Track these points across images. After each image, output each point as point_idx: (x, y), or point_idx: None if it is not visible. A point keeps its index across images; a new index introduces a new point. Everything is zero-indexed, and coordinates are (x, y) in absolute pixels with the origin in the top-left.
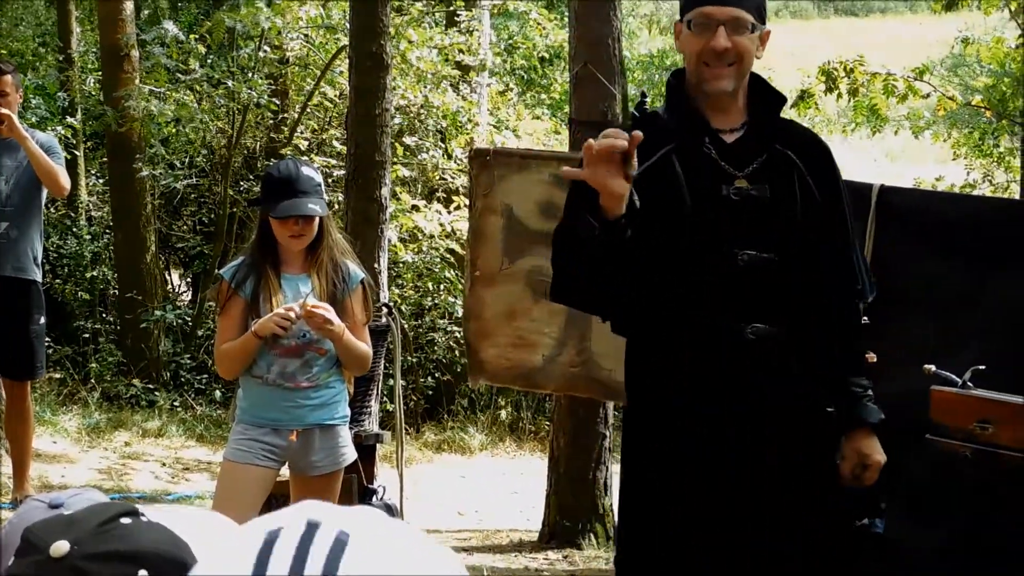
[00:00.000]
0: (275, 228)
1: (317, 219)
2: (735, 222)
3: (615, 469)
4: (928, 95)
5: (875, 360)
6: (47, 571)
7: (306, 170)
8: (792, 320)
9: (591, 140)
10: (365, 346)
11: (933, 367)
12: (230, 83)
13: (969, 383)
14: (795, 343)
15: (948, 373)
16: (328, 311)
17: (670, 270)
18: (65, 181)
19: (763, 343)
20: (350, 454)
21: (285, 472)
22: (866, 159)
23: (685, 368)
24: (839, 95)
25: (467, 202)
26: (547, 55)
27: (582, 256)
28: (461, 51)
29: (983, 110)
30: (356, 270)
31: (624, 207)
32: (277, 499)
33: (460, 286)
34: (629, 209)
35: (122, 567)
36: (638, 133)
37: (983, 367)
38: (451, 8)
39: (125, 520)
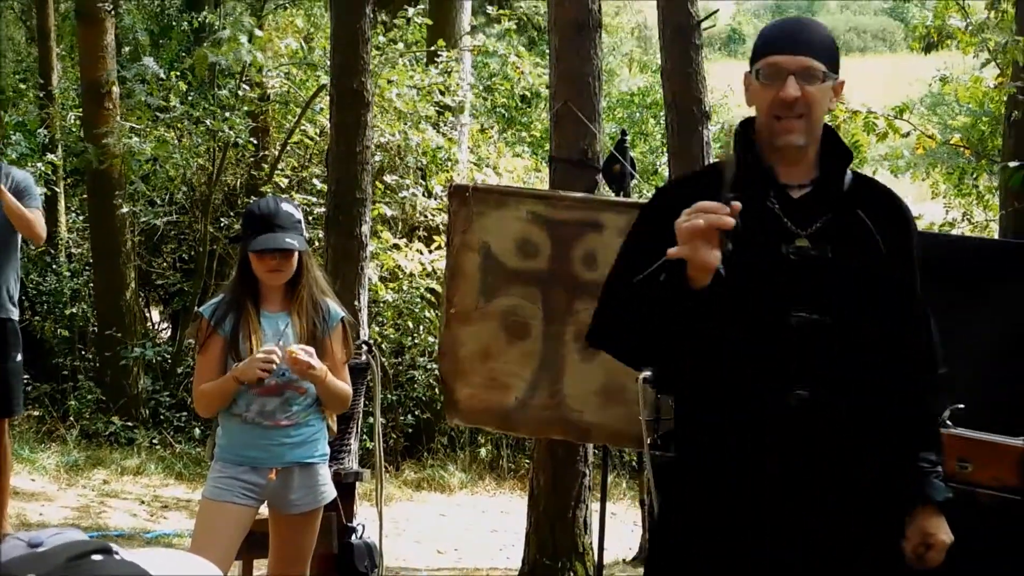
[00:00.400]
0: (254, 264)
1: (296, 256)
2: (791, 282)
3: (595, 507)
4: (908, 134)
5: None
6: None
7: (286, 206)
8: (847, 388)
9: (684, 219)
10: (345, 386)
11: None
12: (209, 122)
13: (948, 422)
14: (850, 413)
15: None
16: (311, 356)
17: (721, 328)
18: (41, 229)
19: (810, 410)
20: (329, 492)
21: (265, 511)
22: None
23: (729, 431)
24: None
25: (446, 242)
26: (528, 93)
27: (650, 314)
28: (441, 91)
29: (962, 149)
30: (336, 309)
31: (710, 278)
32: (256, 537)
33: (439, 324)
34: (715, 278)
35: None
36: (737, 204)
37: (962, 406)
38: (432, 48)
39: (96, 557)
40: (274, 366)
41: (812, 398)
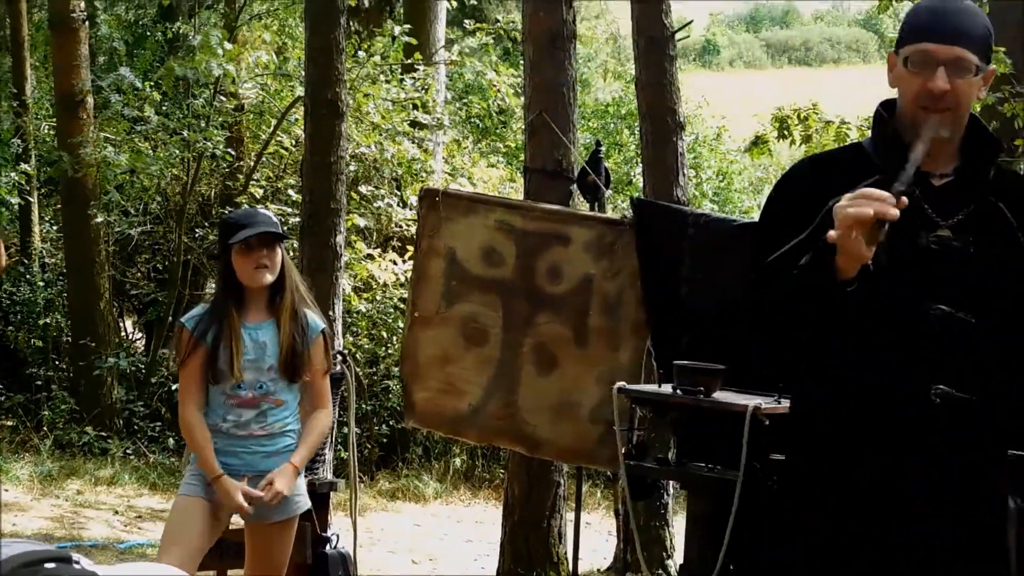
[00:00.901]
0: (238, 265)
1: (280, 254)
2: (931, 274)
3: (569, 517)
4: None
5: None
6: None
7: (262, 210)
8: (987, 387)
9: (848, 204)
10: (323, 423)
11: None
12: (185, 133)
13: None
14: (990, 415)
15: None
16: (278, 494)
17: (852, 319)
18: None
19: (949, 409)
20: (304, 502)
21: (239, 521)
22: None
23: (852, 431)
24: (792, 141)
25: (415, 244)
26: (503, 105)
27: (805, 306)
28: (416, 106)
29: None
30: (316, 320)
31: (858, 269)
32: (231, 546)
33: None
34: (862, 270)
35: None
36: (905, 200)
37: None
38: (408, 61)
39: (50, 565)
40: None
41: (955, 397)
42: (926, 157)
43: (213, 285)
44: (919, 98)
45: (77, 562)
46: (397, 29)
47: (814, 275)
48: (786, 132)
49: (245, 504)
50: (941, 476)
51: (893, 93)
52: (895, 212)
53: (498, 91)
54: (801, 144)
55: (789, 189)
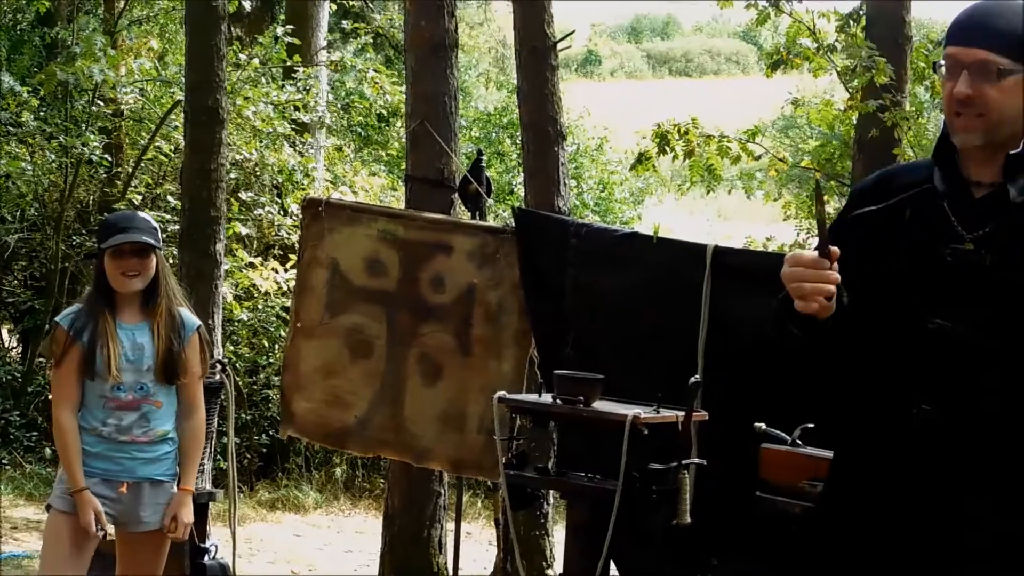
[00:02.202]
0: (109, 270)
1: (154, 261)
2: (939, 287)
3: (450, 527)
4: (760, 156)
5: (706, 417)
6: None
7: (142, 215)
8: (980, 409)
9: (787, 269)
10: (199, 433)
11: (763, 425)
12: (63, 138)
13: (799, 441)
14: (980, 435)
15: (778, 431)
16: (180, 523)
17: (861, 331)
18: None
19: (934, 428)
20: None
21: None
22: (700, 219)
23: (855, 448)
24: (675, 156)
25: (298, 254)
26: (384, 112)
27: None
28: (297, 108)
29: (813, 171)
30: (192, 318)
31: (828, 314)
32: (107, 559)
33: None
34: (837, 307)
35: None
36: (836, 250)
37: (812, 425)
38: (287, 63)
39: None
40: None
41: (937, 415)
42: (975, 167)
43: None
44: (950, 103)
45: None
46: (280, 30)
47: (782, 327)
48: (667, 148)
49: (93, 528)
50: (918, 498)
51: (765, 103)
52: (830, 287)
53: (381, 88)
54: (684, 159)
55: (853, 205)
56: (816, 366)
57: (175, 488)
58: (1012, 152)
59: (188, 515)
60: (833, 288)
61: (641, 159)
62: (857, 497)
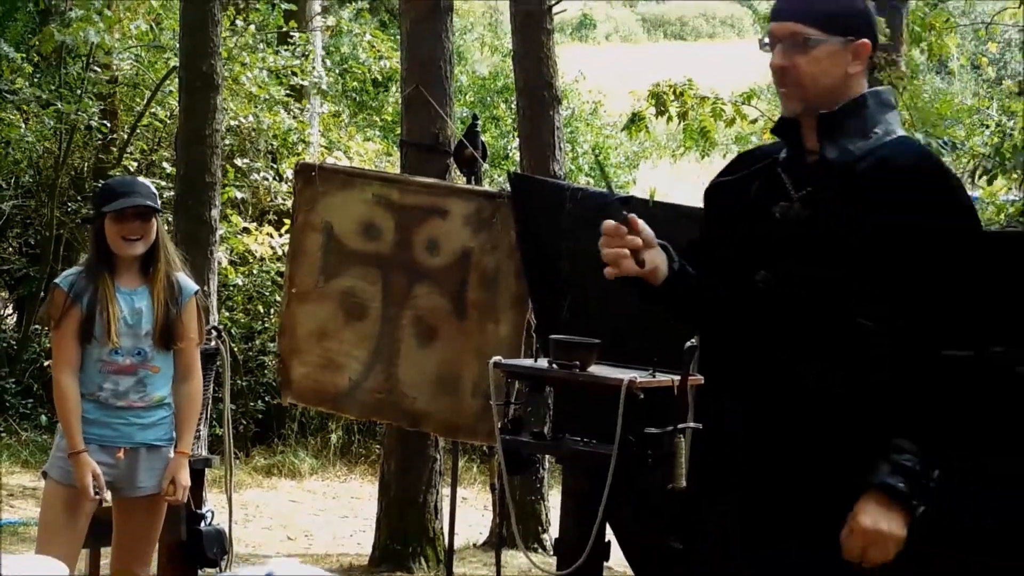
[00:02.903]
0: (110, 234)
1: (154, 227)
2: (766, 243)
3: (445, 492)
4: (755, 120)
5: (703, 382)
6: None
7: (141, 179)
8: (806, 354)
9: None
10: (196, 397)
11: None
12: (59, 104)
13: None
14: (811, 380)
15: None
16: (178, 488)
17: (714, 287)
18: None
19: (766, 370)
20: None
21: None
22: (695, 184)
23: (710, 388)
24: (669, 118)
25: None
26: (380, 77)
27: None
28: (294, 72)
29: None
30: (189, 284)
31: (661, 277)
32: (103, 525)
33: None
34: (670, 271)
35: None
36: (633, 216)
37: None
38: (283, 29)
39: None
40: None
41: (772, 358)
42: (806, 133)
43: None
44: (774, 76)
45: None
46: None
47: (633, 290)
48: (663, 109)
49: (91, 491)
50: (766, 439)
51: (761, 66)
52: (635, 241)
53: (378, 52)
54: (679, 122)
55: (715, 179)
56: (677, 319)
57: (172, 453)
58: (822, 112)
59: (185, 479)
60: (627, 252)
61: (635, 120)
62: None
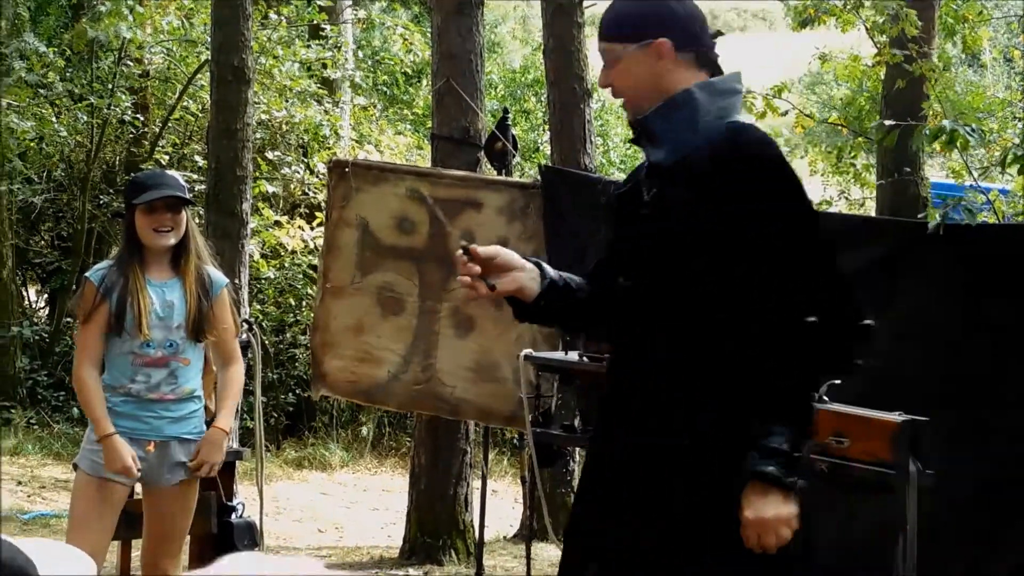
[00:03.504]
0: (141, 226)
1: (185, 220)
2: (625, 247)
3: (476, 485)
4: (786, 112)
5: None
6: None
7: (171, 172)
8: (654, 349)
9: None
10: (238, 380)
11: None
12: (91, 99)
13: (825, 397)
14: (657, 375)
15: None
16: (209, 463)
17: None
18: None
19: (627, 368)
20: (204, 471)
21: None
22: None
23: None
24: None
25: (325, 215)
26: (410, 71)
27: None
28: (325, 65)
29: (840, 127)
30: (219, 276)
31: (531, 295)
32: (133, 517)
33: (316, 299)
34: (541, 287)
35: None
36: (474, 248)
37: (838, 381)
38: (314, 22)
39: None
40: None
41: (624, 358)
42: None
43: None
44: None
45: None
46: None
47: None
48: None
49: (133, 467)
50: (629, 431)
51: (791, 59)
52: (467, 274)
53: (409, 44)
54: None
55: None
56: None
57: None
58: (632, 120)
59: (216, 454)
60: (468, 279)
61: None
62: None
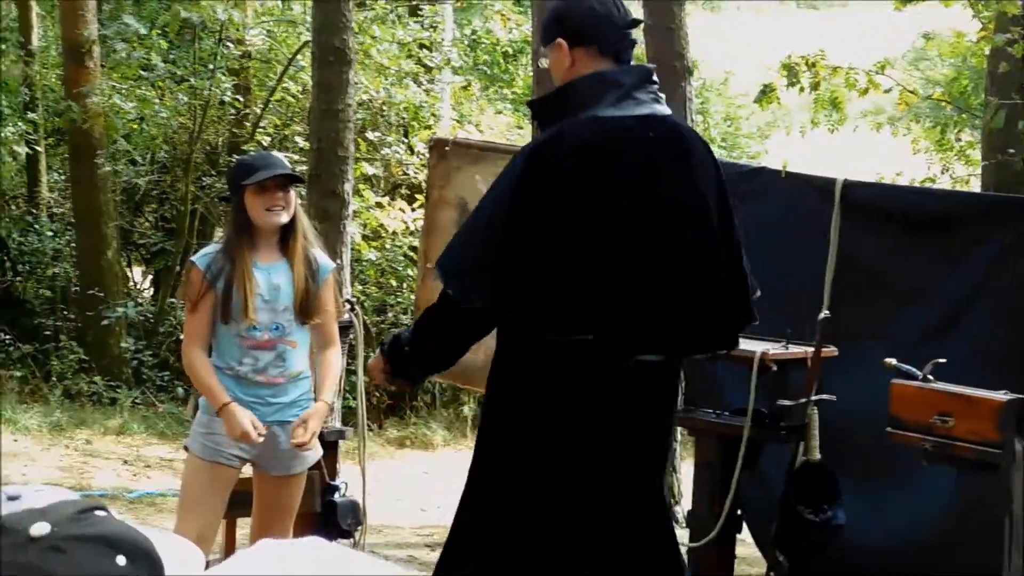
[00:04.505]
0: (253, 207)
1: (294, 197)
2: None
3: None
4: (889, 89)
5: (836, 353)
6: (26, 551)
7: (277, 153)
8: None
9: None
10: (337, 363)
11: (894, 360)
12: (193, 80)
13: (930, 376)
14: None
15: (909, 367)
16: (306, 431)
17: None
18: None
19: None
20: (313, 455)
21: (247, 470)
22: (826, 154)
23: None
24: (801, 89)
25: (426, 195)
26: (510, 50)
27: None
28: (424, 47)
29: (944, 104)
30: (326, 261)
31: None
32: (239, 496)
33: (417, 280)
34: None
35: (101, 550)
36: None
37: (943, 360)
38: (413, 2)
39: (100, 513)
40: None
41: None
42: None
43: (220, 233)
44: None
45: (111, 514)
46: None
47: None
48: (795, 80)
49: (253, 431)
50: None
51: (895, 34)
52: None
53: (509, 21)
54: (811, 91)
55: None
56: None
57: None
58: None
59: (316, 424)
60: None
61: (766, 91)
62: None
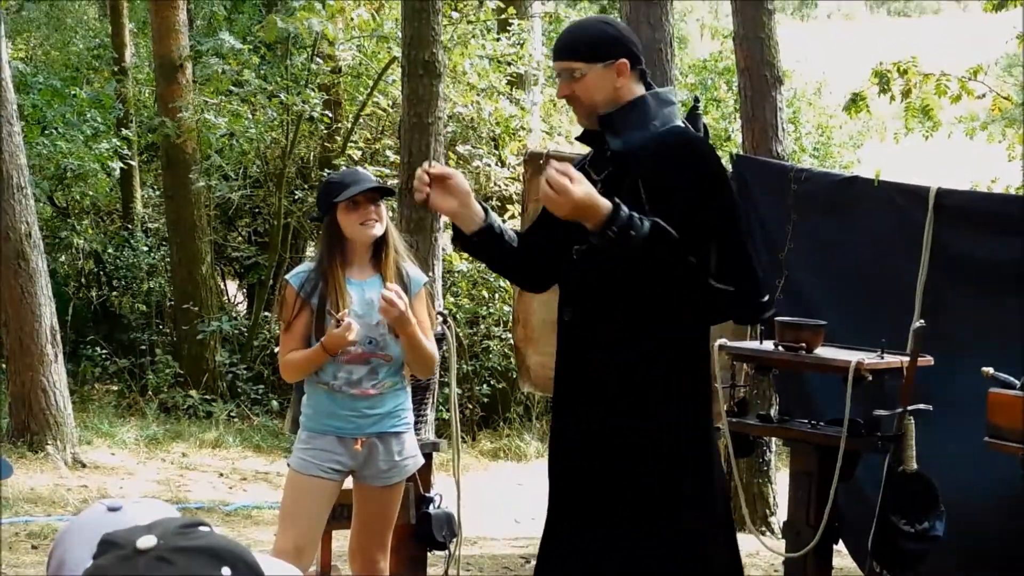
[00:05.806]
0: (346, 223)
1: (385, 211)
2: (576, 227)
3: None
4: (983, 95)
5: (932, 363)
6: (134, 562)
7: (363, 170)
8: (597, 308)
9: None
10: (432, 345)
11: (991, 369)
12: (283, 96)
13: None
14: (601, 328)
15: (1007, 376)
16: (400, 297)
17: (530, 251)
18: None
19: (573, 325)
20: (414, 463)
21: (347, 483)
22: (920, 162)
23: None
24: (892, 97)
25: (520, 209)
26: None
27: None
28: (511, 62)
29: None
30: (418, 274)
31: (473, 226)
32: (337, 508)
33: (514, 293)
34: (481, 226)
35: (206, 561)
36: (435, 165)
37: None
38: (502, 16)
39: (203, 528)
40: (354, 332)
41: (575, 318)
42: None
43: (313, 247)
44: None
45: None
46: None
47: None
48: (886, 87)
49: (355, 329)
50: (582, 390)
51: (987, 40)
52: (418, 180)
53: None
54: (902, 99)
55: None
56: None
57: (412, 438)
58: (599, 114)
59: (403, 304)
60: (416, 182)
61: (855, 99)
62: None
